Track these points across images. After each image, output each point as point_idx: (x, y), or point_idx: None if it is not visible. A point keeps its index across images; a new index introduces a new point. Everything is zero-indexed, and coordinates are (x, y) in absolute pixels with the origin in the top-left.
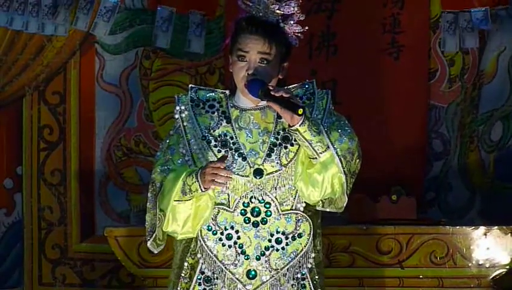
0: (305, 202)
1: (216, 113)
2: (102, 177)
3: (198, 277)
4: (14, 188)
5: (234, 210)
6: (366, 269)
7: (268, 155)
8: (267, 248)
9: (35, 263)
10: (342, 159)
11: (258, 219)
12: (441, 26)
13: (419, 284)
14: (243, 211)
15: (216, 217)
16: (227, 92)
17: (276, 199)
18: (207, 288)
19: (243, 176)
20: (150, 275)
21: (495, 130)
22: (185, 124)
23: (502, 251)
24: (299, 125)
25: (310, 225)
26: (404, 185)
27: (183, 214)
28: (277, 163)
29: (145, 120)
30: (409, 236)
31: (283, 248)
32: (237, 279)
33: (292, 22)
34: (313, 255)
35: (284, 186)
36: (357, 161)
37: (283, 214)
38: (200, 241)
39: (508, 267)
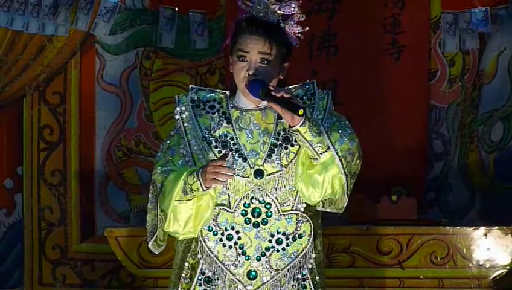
0: (305, 203)
1: (216, 114)
2: (102, 177)
3: (199, 278)
4: (15, 188)
5: (235, 211)
6: (367, 269)
7: (269, 156)
8: (267, 249)
9: (36, 263)
10: (343, 159)
11: (259, 219)
12: (441, 27)
13: (420, 284)
14: (243, 212)
15: (217, 217)
16: (228, 92)
17: (276, 199)
18: (208, 289)
19: (243, 176)
20: (150, 275)
21: (495, 130)
22: (185, 124)
23: (502, 251)
24: (300, 126)
25: (310, 225)
26: (404, 185)
27: (185, 214)
28: (277, 164)
29: (146, 120)
30: (409, 236)
31: (283, 249)
32: (238, 279)
33: (292, 22)
34: (313, 255)
35: (285, 187)
36: (358, 161)
37: (284, 215)
38: (201, 241)
39: (508, 267)
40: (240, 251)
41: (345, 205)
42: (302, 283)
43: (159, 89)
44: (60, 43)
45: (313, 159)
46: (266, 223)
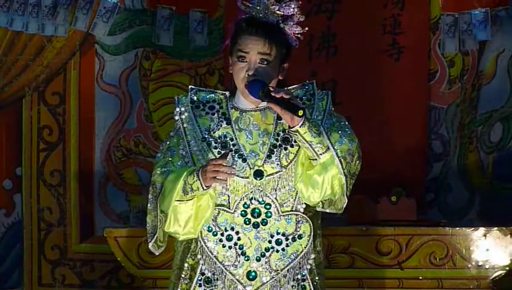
0: (305, 203)
1: (216, 115)
2: (101, 178)
3: (199, 278)
4: (14, 188)
5: (234, 211)
6: (366, 270)
7: (269, 156)
8: (267, 249)
9: (35, 263)
10: (342, 160)
11: (258, 220)
12: (440, 28)
13: (419, 285)
14: (243, 212)
15: (216, 218)
16: (227, 93)
17: (276, 200)
18: (207, 289)
19: (243, 177)
20: (150, 275)
21: (494, 131)
22: (185, 125)
23: (501, 252)
24: (299, 127)
25: (310, 226)
26: (404, 186)
27: (185, 214)
28: (277, 164)
29: (145, 121)
30: (408, 237)
31: (283, 249)
32: (237, 280)
33: (292, 23)
34: (313, 256)
35: (284, 187)
36: (357, 162)
37: (283, 215)
38: (201, 242)
39: (507, 268)
40: (239, 252)
41: (344, 206)
42: (302, 283)
43: (159, 89)
44: (60, 44)
45: (313, 159)
46: (266, 223)
